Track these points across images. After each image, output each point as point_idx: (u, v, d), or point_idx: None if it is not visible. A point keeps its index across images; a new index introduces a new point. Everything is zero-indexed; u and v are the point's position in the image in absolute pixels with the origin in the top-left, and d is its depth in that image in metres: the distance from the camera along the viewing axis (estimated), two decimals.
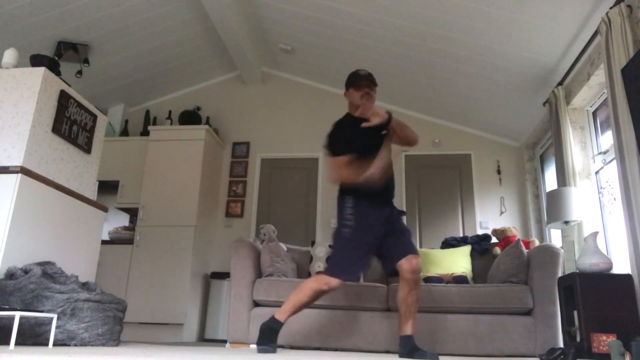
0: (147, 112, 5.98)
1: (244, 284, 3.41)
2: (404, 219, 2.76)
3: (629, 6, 2.90)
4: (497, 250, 3.71)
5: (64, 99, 3.20)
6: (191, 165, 5.21)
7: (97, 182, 3.66)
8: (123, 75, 5.49)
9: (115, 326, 2.77)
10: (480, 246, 3.81)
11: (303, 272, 3.85)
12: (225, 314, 4.88)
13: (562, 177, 3.80)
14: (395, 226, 2.64)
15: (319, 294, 2.55)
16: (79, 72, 4.81)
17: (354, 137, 2.63)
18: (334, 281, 2.51)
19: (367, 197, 2.59)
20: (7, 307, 2.41)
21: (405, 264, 2.54)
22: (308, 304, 2.60)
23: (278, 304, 3.30)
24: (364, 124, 2.56)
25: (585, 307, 2.76)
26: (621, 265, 3.18)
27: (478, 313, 3.18)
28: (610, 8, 2.94)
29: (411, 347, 2.46)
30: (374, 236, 2.58)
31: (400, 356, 2.48)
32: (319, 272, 3.70)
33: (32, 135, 2.95)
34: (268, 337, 2.50)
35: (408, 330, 2.52)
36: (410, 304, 2.54)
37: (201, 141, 5.30)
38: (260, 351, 2.44)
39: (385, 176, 2.60)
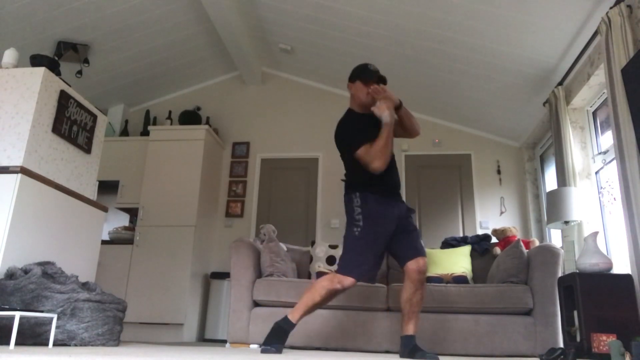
0: (147, 112, 5.99)
1: (244, 284, 3.41)
2: (413, 217, 2.73)
3: (629, 6, 2.90)
4: (497, 250, 3.71)
5: (64, 99, 3.20)
6: (191, 165, 5.21)
7: (97, 182, 3.66)
8: (123, 75, 5.49)
9: (115, 326, 2.77)
10: (480, 246, 3.81)
11: (303, 272, 3.85)
12: (225, 314, 4.88)
13: (562, 177, 3.80)
14: (404, 224, 2.61)
15: (332, 293, 2.49)
16: (79, 72, 4.81)
17: (364, 129, 2.57)
18: (347, 280, 2.46)
19: (376, 193, 2.56)
20: (7, 307, 2.41)
21: (412, 265, 2.52)
22: (321, 304, 2.53)
23: (278, 304, 3.31)
24: (374, 108, 2.54)
25: (585, 307, 2.76)
26: (621, 265, 3.18)
27: (478, 313, 3.18)
28: (610, 8, 2.95)
29: (412, 347, 2.45)
30: (386, 233, 2.54)
31: (401, 356, 2.48)
32: (320, 273, 3.71)
33: (32, 135, 2.94)
34: (277, 336, 2.46)
35: (410, 330, 2.52)
36: (415, 304, 2.53)
37: (201, 141, 5.30)
38: (263, 351, 2.42)
39: (390, 168, 2.60)
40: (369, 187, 2.55)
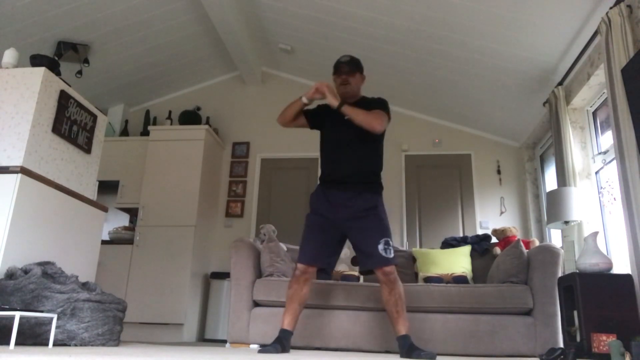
0: (147, 112, 5.98)
1: (244, 284, 3.41)
2: (379, 215, 2.62)
3: (629, 6, 2.90)
4: (497, 250, 3.71)
5: (64, 99, 3.20)
6: (191, 165, 5.21)
7: (97, 182, 3.66)
8: (123, 75, 5.49)
9: (115, 326, 2.77)
10: (480, 246, 3.81)
11: None
12: (225, 314, 4.88)
13: (562, 177, 3.80)
14: (358, 223, 2.58)
15: (292, 282, 2.64)
16: (79, 72, 4.81)
17: (327, 115, 2.77)
18: (296, 266, 2.63)
19: (322, 184, 2.74)
20: (7, 307, 2.41)
21: (376, 271, 2.57)
22: (290, 297, 2.63)
23: (278, 304, 3.31)
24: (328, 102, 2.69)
25: (585, 307, 2.76)
26: (621, 265, 3.18)
27: (478, 313, 3.18)
28: (610, 8, 2.94)
29: (409, 346, 2.46)
30: (318, 223, 2.66)
31: (401, 356, 2.49)
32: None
33: (32, 135, 2.94)
34: (278, 339, 2.53)
35: (401, 330, 2.52)
36: (393, 305, 2.54)
37: (201, 141, 5.29)
38: (260, 351, 2.43)
39: (338, 159, 2.69)
40: (321, 177, 2.77)
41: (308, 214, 2.75)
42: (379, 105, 2.70)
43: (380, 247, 2.53)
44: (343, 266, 3.73)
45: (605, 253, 3.09)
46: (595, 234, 3.01)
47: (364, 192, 2.64)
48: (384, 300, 2.59)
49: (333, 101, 2.64)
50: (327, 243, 2.65)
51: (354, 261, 3.71)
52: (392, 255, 2.55)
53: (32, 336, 2.48)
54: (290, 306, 2.60)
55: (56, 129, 3.13)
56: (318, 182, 2.80)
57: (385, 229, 2.60)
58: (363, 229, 2.59)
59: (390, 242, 2.57)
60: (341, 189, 2.65)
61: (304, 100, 2.75)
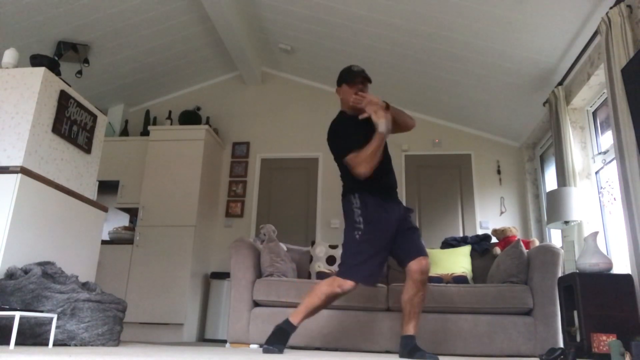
0: (147, 112, 5.99)
1: (244, 284, 3.41)
2: (412, 216, 2.74)
3: (629, 6, 2.90)
4: (497, 250, 3.71)
5: (64, 99, 3.20)
6: (191, 165, 5.21)
7: (97, 182, 3.66)
8: (123, 75, 5.49)
9: (115, 326, 2.77)
10: (480, 246, 3.81)
11: (303, 272, 3.85)
12: (225, 314, 4.88)
13: (562, 177, 3.80)
14: (404, 224, 2.61)
15: (332, 297, 2.49)
16: (79, 72, 4.81)
17: (355, 132, 2.57)
18: (347, 284, 2.44)
19: (375, 194, 2.56)
20: (7, 307, 2.41)
21: (414, 265, 2.51)
22: (322, 307, 2.55)
23: (278, 304, 3.31)
24: (362, 116, 2.55)
25: (585, 307, 2.76)
26: (621, 265, 3.18)
27: (478, 313, 3.18)
28: (610, 8, 2.94)
29: (412, 347, 2.45)
30: (387, 236, 2.53)
31: (401, 356, 2.48)
32: (320, 273, 3.70)
33: (32, 135, 2.94)
34: (278, 338, 2.47)
35: (410, 330, 2.51)
36: (416, 305, 2.52)
37: (201, 141, 5.30)
38: (264, 351, 2.43)
39: (387, 170, 2.63)
40: (367, 188, 2.54)
41: (364, 228, 2.50)
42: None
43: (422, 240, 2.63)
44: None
45: (605, 253, 3.09)
46: (595, 234, 3.01)
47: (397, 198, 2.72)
48: (407, 298, 2.52)
49: (382, 105, 2.59)
50: (386, 256, 2.62)
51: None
52: None
53: (32, 336, 2.48)
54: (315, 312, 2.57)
55: (56, 129, 3.13)
56: (359, 192, 2.56)
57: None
58: (409, 226, 2.62)
59: None
60: (393, 196, 2.67)
61: (384, 131, 2.51)
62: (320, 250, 3.82)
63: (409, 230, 2.60)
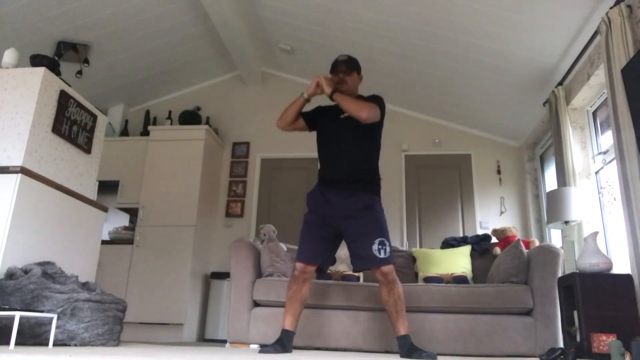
0: (147, 112, 5.98)
1: (244, 284, 3.41)
2: (375, 214, 2.62)
3: (629, 6, 2.90)
4: (497, 250, 3.71)
5: (64, 99, 3.20)
6: (191, 165, 5.22)
7: (97, 182, 3.66)
8: (123, 75, 5.49)
9: (115, 326, 2.77)
10: (480, 246, 3.81)
11: None
12: (225, 314, 4.88)
13: (562, 177, 3.80)
14: (354, 223, 2.57)
15: (291, 282, 2.65)
16: (79, 72, 4.81)
17: (323, 116, 2.84)
18: (295, 265, 2.62)
19: (321, 182, 2.74)
20: (7, 307, 2.41)
21: (375, 271, 2.57)
22: (291, 297, 2.63)
23: (278, 304, 3.31)
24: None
25: (585, 307, 2.76)
26: (621, 265, 3.18)
27: (478, 313, 3.18)
28: (610, 8, 2.94)
29: (409, 346, 2.46)
30: (317, 222, 2.66)
31: (401, 356, 2.48)
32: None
33: (32, 135, 2.94)
34: (279, 340, 2.53)
35: (401, 330, 2.52)
36: (393, 305, 2.54)
37: (201, 141, 5.30)
38: (261, 352, 2.43)
39: (335, 159, 2.70)
40: (320, 176, 2.77)
41: (306, 213, 2.76)
42: (373, 99, 2.72)
43: (375, 247, 2.51)
44: (343, 266, 3.73)
45: (605, 253, 3.09)
46: (595, 234, 3.01)
47: (360, 192, 2.63)
48: (383, 301, 2.59)
49: (327, 89, 2.68)
50: (324, 241, 2.66)
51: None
52: (387, 255, 2.52)
53: (32, 336, 2.48)
54: (291, 306, 2.60)
55: (56, 129, 3.13)
56: (317, 182, 2.82)
57: (381, 228, 2.57)
58: (357, 229, 2.58)
59: (386, 242, 2.55)
60: (338, 188, 2.65)
61: (305, 96, 2.77)
62: None
63: (358, 233, 2.57)
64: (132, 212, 5.47)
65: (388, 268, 2.54)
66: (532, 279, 3.20)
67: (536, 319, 3.10)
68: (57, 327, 2.51)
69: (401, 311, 2.54)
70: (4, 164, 2.85)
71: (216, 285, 5.08)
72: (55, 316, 2.44)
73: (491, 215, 5.18)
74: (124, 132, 5.85)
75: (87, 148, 3.46)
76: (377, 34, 4.43)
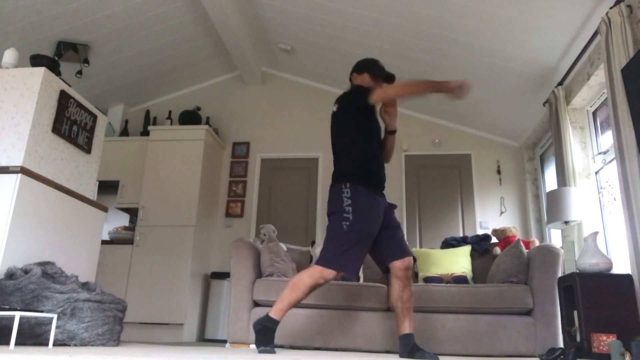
0: (147, 112, 5.99)
1: (244, 284, 3.41)
2: (395, 213, 2.74)
3: (629, 6, 2.90)
4: (497, 250, 3.71)
5: (64, 99, 3.20)
6: (191, 165, 5.22)
7: (97, 182, 3.66)
8: (123, 75, 5.49)
9: (115, 326, 2.77)
10: (480, 246, 3.81)
11: None
12: (225, 314, 4.88)
13: (562, 177, 3.80)
14: (387, 220, 2.61)
15: (314, 288, 2.48)
16: (79, 72, 4.81)
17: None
18: (329, 273, 2.43)
19: (366, 185, 2.53)
20: (7, 307, 2.41)
21: (399, 263, 2.54)
22: (303, 299, 2.54)
23: None
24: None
25: (585, 307, 2.76)
26: (621, 265, 3.18)
27: (478, 313, 3.18)
28: (610, 8, 2.94)
29: (411, 346, 2.44)
30: (374, 229, 2.52)
31: (401, 356, 2.48)
32: None
33: (32, 135, 2.94)
34: (266, 337, 2.44)
35: (406, 328, 2.51)
36: (406, 301, 2.53)
37: (201, 141, 5.30)
38: (261, 352, 2.42)
39: (380, 162, 2.67)
40: (360, 178, 2.53)
41: (355, 221, 2.45)
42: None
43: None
44: None
45: (605, 253, 3.09)
46: (595, 234, 3.01)
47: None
48: (396, 296, 2.54)
49: (461, 97, 2.51)
50: (367, 251, 2.60)
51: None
52: None
53: (32, 336, 2.48)
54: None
55: (56, 129, 3.13)
56: (351, 182, 2.53)
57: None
58: (389, 224, 2.62)
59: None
60: (383, 196, 2.65)
61: (444, 89, 2.46)
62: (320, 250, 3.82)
63: (392, 227, 2.61)
64: (132, 212, 5.47)
65: (412, 261, 2.59)
66: (532, 279, 3.20)
67: (536, 319, 3.10)
68: (57, 327, 2.51)
69: (411, 309, 2.56)
70: (4, 164, 2.85)
71: (216, 285, 5.08)
72: (55, 316, 2.44)
73: (491, 215, 5.18)
74: (124, 132, 5.85)
75: (87, 148, 3.46)
76: (376, 34, 4.43)
